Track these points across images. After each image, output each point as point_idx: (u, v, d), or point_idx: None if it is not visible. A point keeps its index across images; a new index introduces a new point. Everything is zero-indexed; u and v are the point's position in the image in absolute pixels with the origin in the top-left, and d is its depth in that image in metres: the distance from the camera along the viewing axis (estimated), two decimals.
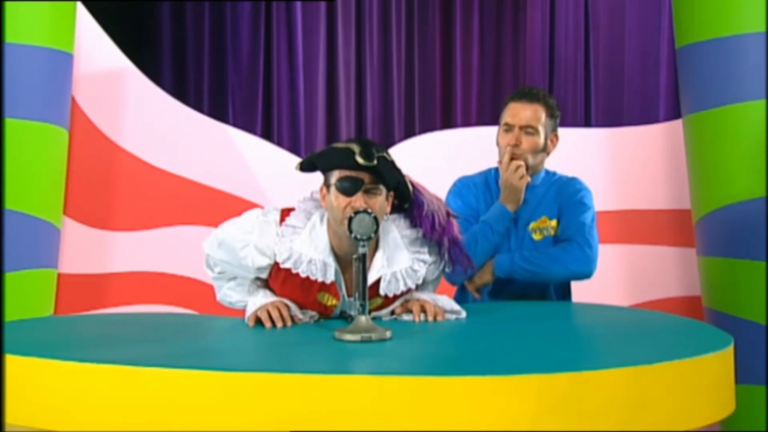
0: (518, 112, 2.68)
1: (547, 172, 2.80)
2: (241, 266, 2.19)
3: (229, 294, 2.28)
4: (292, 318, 2.10)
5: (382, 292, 2.15)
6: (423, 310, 2.16)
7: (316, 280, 2.13)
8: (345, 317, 2.19)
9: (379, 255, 2.14)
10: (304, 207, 2.20)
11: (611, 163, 3.93)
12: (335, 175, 2.07)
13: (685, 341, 1.96)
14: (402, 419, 1.50)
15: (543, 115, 2.68)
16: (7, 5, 3.04)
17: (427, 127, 4.98)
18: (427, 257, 2.20)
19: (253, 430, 1.52)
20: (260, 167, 3.82)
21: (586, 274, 2.65)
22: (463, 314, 2.23)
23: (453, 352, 1.84)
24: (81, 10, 3.60)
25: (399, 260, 2.16)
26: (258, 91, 5.03)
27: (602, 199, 3.89)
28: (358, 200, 2.03)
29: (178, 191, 3.77)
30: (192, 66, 4.99)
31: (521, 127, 2.66)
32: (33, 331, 2.15)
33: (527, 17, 5.38)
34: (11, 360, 1.71)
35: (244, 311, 2.19)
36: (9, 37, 3.02)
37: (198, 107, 4.42)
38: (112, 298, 3.70)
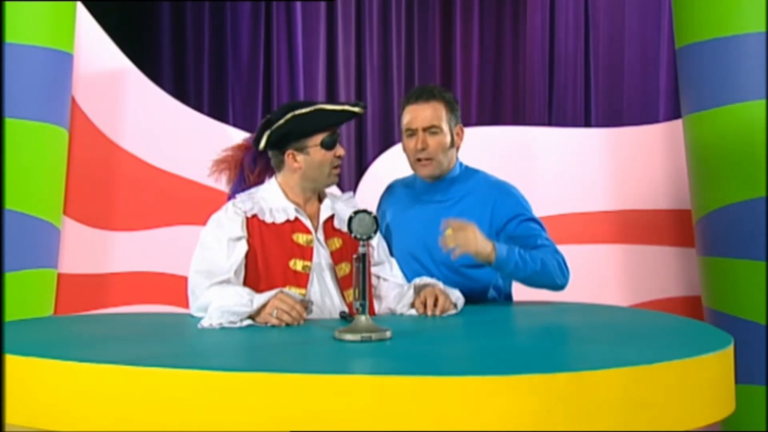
0: (418, 114, 2.58)
1: (467, 167, 2.68)
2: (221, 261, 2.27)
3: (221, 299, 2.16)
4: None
5: (336, 225, 2.39)
6: (436, 303, 2.30)
7: (284, 223, 2.33)
8: (345, 317, 2.19)
9: (326, 202, 2.43)
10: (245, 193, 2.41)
11: (611, 163, 3.93)
12: (318, 137, 2.33)
13: (685, 341, 1.96)
14: (402, 419, 1.50)
15: (444, 112, 2.58)
16: (7, 5, 3.04)
17: None
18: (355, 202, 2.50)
19: (253, 430, 1.52)
20: None
21: (561, 288, 2.53)
22: (459, 306, 2.36)
23: (453, 352, 1.84)
24: (81, 10, 3.60)
25: (340, 206, 2.45)
26: (258, 91, 5.03)
27: (602, 199, 3.91)
28: (339, 149, 2.37)
29: (178, 191, 3.77)
30: (192, 66, 4.99)
31: (424, 129, 2.57)
32: (33, 331, 2.15)
33: (527, 17, 5.38)
34: (11, 360, 1.71)
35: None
36: (9, 37, 3.02)
37: (198, 107, 4.42)
38: (112, 298, 3.70)
